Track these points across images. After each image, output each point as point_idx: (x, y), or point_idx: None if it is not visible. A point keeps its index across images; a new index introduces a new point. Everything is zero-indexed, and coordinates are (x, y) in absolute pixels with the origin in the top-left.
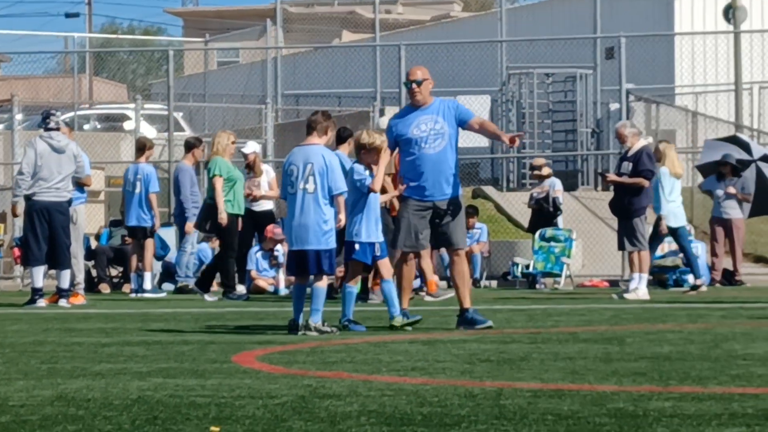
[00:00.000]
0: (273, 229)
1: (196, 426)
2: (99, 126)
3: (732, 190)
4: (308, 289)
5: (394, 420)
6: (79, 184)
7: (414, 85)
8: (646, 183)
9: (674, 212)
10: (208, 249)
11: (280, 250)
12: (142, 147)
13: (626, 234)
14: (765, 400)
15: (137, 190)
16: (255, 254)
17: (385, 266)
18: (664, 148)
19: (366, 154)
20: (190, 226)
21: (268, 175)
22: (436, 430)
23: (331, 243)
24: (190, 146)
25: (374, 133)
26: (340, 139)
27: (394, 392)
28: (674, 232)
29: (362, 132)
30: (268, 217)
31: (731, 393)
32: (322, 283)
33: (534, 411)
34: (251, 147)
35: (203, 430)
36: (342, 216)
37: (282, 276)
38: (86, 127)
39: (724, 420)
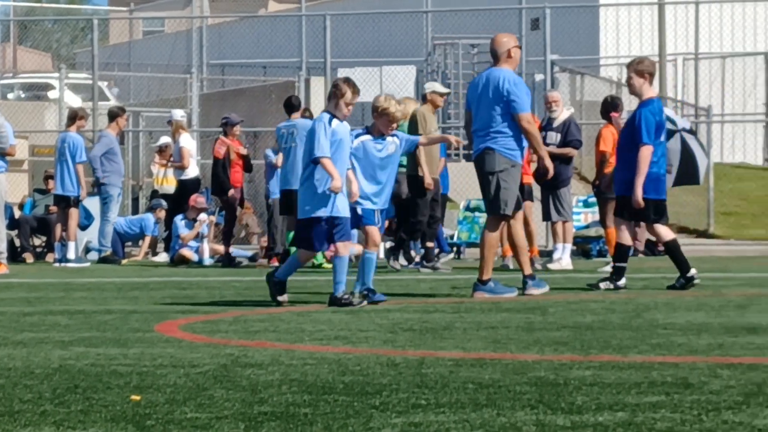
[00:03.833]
0: (196, 198)
1: (117, 395)
2: (23, 95)
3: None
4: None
5: (315, 388)
6: (2, 154)
7: None
8: (574, 152)
9: None
10: (152, 219)
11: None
12: (74, 116)
13: (553, 204)
14: (684, 369)
15: (65, 159)
16: (180, 222)
17: (371, 236)
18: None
19: (378, 118)
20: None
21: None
22: (358, 399)
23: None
24: (114, 115)
25: (392, 100)
26: (292, 107)
27: (316, 361)
28: None
29: (381, 96)
30: (194, 184)
31: (651, 362)
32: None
33: (455, 380)
34: (176, 114)
35: (124, 398)
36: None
37: (206, 246)
38: (10, 96)
39: (644, 388)
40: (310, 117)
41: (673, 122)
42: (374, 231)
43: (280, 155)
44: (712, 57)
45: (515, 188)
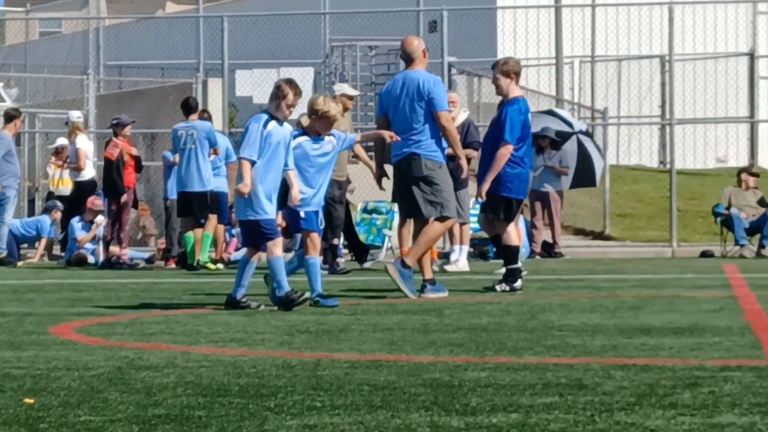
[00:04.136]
0: (93, 201)
1: (10, 398)
2: None
3: (550, 163)
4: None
5: (210, 391)
6: None
7: None
8: (474, 154)
9: None
10: (48, 221)
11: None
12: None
13: None
14: (578, 370)
15: None
16: (76, 224)
17: (312, 241)
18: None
19: (318, 120)
20: None
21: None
22: (253, 401)
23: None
24: (10, 117)
25: (330, 100)
26: (190, 108)
27: (211, 363)
28: None
29: (319, 97)
30: (90, 186)
31: (546, 363)
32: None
33: (351, 382)
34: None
35: (17, 402)
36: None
37: (102, 248)
38: None
39: (538, 390)
40: (208, 118)
41: (569, 125)
42: (316, 236)
43: (177, 155)
44: (609, 60)
45: (449, 188)
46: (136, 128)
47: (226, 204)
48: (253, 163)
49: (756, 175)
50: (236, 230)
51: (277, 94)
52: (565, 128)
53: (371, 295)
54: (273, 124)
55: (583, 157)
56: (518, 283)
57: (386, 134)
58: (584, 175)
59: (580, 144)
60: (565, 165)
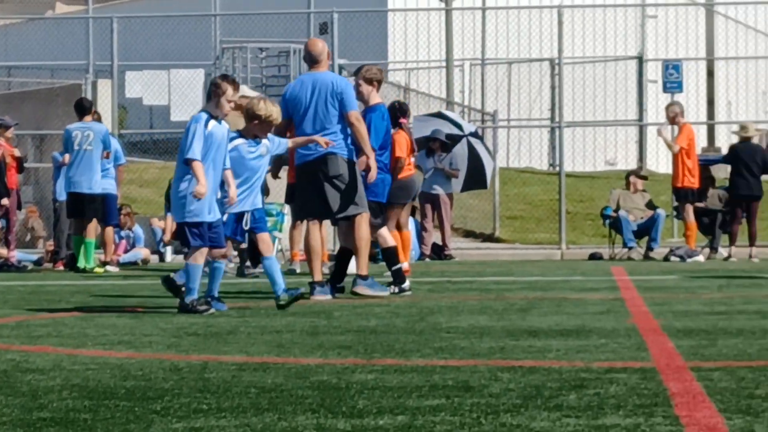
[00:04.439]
0: None
1: None
2: None
3: (440, 165)
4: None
5: (96, 394)
6: None
7: None
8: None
9: None
10: None
11: None
12: None
13: None
14: (465, 372)
15: None
16: None
17: (265, 241)
18: None
19: (258, 124)
20: None
21: None
22: (139, 404)
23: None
24: None
25: (271, 104)
26: (83, 109)
27: (98, 366)
28: None
29: (259, 101)
30: None
31: (433, 365)
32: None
33: (238, 384)
34: None
35: None
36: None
37: None
38: None
39: (425, 392)
40: (99, 120)
41: (459, 126)
42: (266, 236)
43: (67, 155)
44: (499, 63)
45: (362, 186)
46: (25, 129)
47: (114, 206)
48: (187, 161)
49: (644, 177)
50: (125, 232)
51: (216, 91)
52: (455, 131)
53: (260, 297)
54: (213, 123)
55: (474, 160)
56: (406, 284)
57: (321, 141)
58: (475, 177)
59: (470, 146)
60: (455, 167)
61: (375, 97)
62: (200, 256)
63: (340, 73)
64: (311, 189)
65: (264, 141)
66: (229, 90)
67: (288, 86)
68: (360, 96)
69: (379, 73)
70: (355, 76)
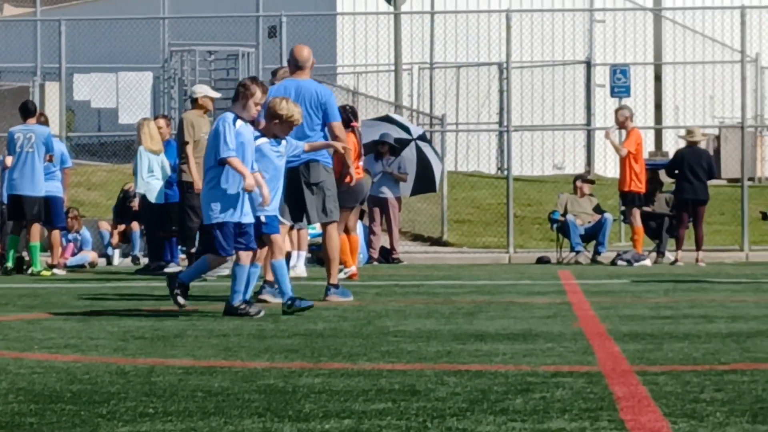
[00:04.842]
0: None
1: None
2: None
3: (389, 169)
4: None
5: (42, 398)
6: None
7: None
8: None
9: (154, 189)
10: None
11: None
12: None
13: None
14: (412, 376)
15: None
16: None
17: (277, 243)
18: (139, 125)
19: (279, 124)
20: None
21: None
22: (85, 408)
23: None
24: None
25: (292, 104)
26: (28, 112)
27: (44, 370)
28: None
29: (281, 100)
30: None
31: (380, 369)
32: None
33: (184, 388)
34: None
35: None
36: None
37: None
38: None
39: (371, 396)
40: (45, 122)
41: (406, 130)
42: (279, 239)
43: (9, 157)
44: (447, 66)
45: (335, 194)
46: None
47: (61, 209)
48: (221, 160)
49: (591, 182)
50: (72, 235)
51: (245, 93)
52: (404, 134)
53: (212, 299)
54: (240, 122)
55: (422, 163)
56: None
57: (338, 145)
58: (424, 181)
59: (418, 150)
60: (403, 171)
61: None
62: (246, 258)
63: None
64: (296, 194)
65: (283, 142)
66: (258, 93)
67: (270, 89)
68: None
69: (287, 73)
70: (273, 76)
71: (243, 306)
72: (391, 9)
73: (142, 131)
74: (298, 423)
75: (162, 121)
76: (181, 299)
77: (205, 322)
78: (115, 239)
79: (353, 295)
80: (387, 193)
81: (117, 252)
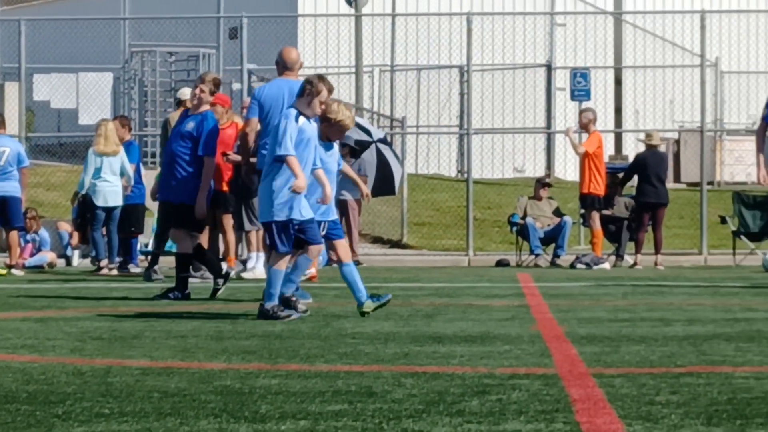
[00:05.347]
0: None
1: None
2: None
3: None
4: None
5: None
6: None
7: None
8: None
9: (104, 191)
10: None
11: None
12: None
13: (246, 213)
14: (369, 378)
15: None
16: None
17: (343, 247)
18: (96, 127)
19: (330, 127)
20: None
21: None
22: (40, 408)
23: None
24: None
25: (343, 107)
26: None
27: (0, 370)
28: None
29: (333, 103)
30: None
31: (337, 371)
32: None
33: (141, 388)
34: None
35: None
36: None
37: None
38: None
39: (328, 397)
40: (1, 122)
41: (367, 132)
42: (344, 243)
43: None
44: (408, 69)
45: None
46: None
47: (18, 209)
48: (279, 157)
49: (550, 185)
50: (31, 236)
51: (311, 91)
52: (364, 137)
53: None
54: (303, 119)
55: (383, 166)
56: (188, 290)
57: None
58: (384, 184)
59: (379, 152)
60: (363, 173)
61: (207, 105)
62: (283, 263)
63: (249, 77)
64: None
65: (336, 146)
66: (324, 92)
67: (262, 87)
68: (200, 102)
69: (218, 78)
70: (201, 81)
71: (275, 309)
72: (352, 11)
73: (97, 132)
74: (254, 424)
75: (118, 123)
76: (301, 306)
77: (163, 323)
78: (75, 240)
79: (312, 297)
80: (346, 195)
81: (76, 253)
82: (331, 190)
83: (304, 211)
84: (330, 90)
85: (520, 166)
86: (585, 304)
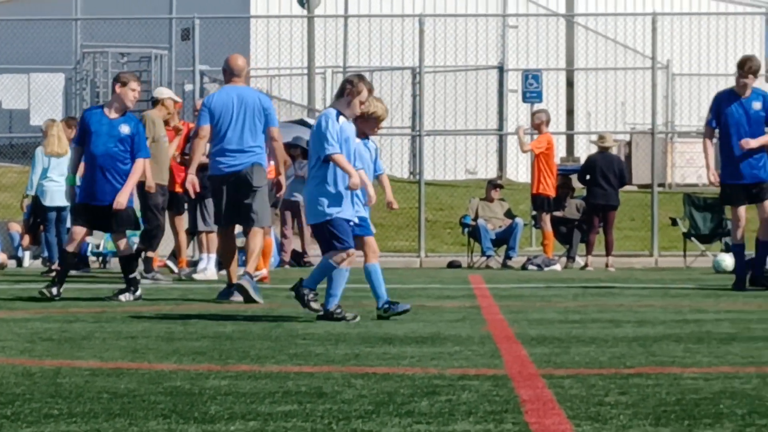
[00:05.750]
0: None
1: None
2: None
3: (301, 173)
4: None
5: None
6: None
7: None
8: None
9: (51, 191)
10: None
11: None
12: None
13: (200, 214)
14: (319, 379)
15: None
16: None
17: (371, 246)
18: (47, 127)
19: (365, 121)
20: None
21: None
22: None
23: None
24: None
25: (375, 101)
26: None
27: None
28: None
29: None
30: None
31: (288, 372)
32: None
33: (90, 389)
34: None
35: None
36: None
37: None
38: None
39: (278, 398)
40: None
41: None
42: (373, 241)
43: None
44: (360, 71)
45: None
46: None
47: None
48: (326, 157)
49: (501, 186)
50: None
51: (351, 90)
52: None
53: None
54: (343, 119)
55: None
56: (139, 291)
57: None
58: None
59: None
60: None
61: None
62: (345, 262)
63: (201, 79)
64: (238, 197)
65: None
66: (364, 92)
67: (212, 95)
68: (132, 103)
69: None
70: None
71: (339, 310)
72: (305, 12)
73: (49, 133)
74: (204, 425)
75: (64, 124)
76: (315, 305)
77: (114, 324)
78: (26, 241)
79: (264, 298)
80: (299, 196)
81: (27, 254)
82: (373, 190)
83: (357, 212)
84: (370, 90)
85: (472, 167)
86: (536, 305)
